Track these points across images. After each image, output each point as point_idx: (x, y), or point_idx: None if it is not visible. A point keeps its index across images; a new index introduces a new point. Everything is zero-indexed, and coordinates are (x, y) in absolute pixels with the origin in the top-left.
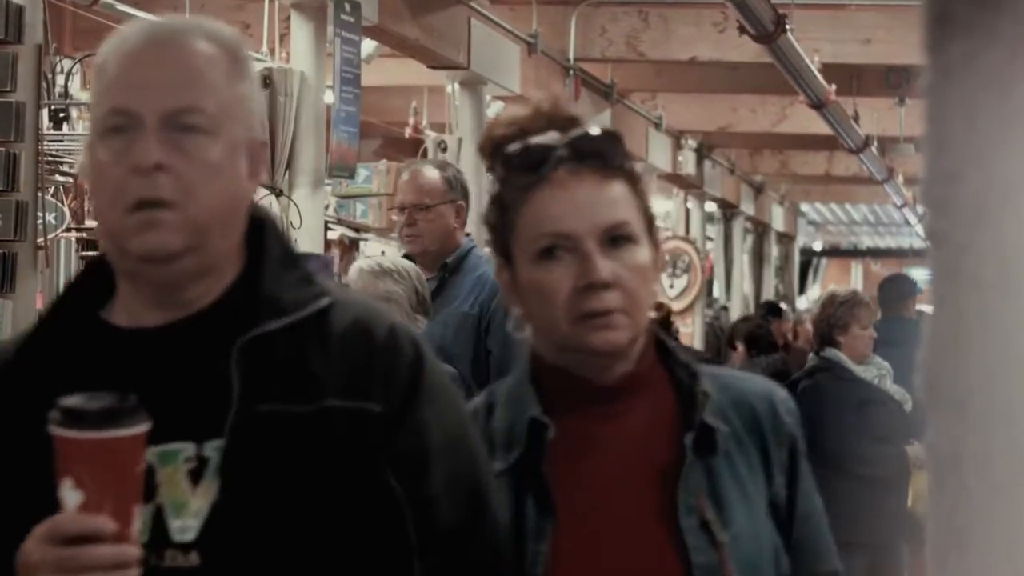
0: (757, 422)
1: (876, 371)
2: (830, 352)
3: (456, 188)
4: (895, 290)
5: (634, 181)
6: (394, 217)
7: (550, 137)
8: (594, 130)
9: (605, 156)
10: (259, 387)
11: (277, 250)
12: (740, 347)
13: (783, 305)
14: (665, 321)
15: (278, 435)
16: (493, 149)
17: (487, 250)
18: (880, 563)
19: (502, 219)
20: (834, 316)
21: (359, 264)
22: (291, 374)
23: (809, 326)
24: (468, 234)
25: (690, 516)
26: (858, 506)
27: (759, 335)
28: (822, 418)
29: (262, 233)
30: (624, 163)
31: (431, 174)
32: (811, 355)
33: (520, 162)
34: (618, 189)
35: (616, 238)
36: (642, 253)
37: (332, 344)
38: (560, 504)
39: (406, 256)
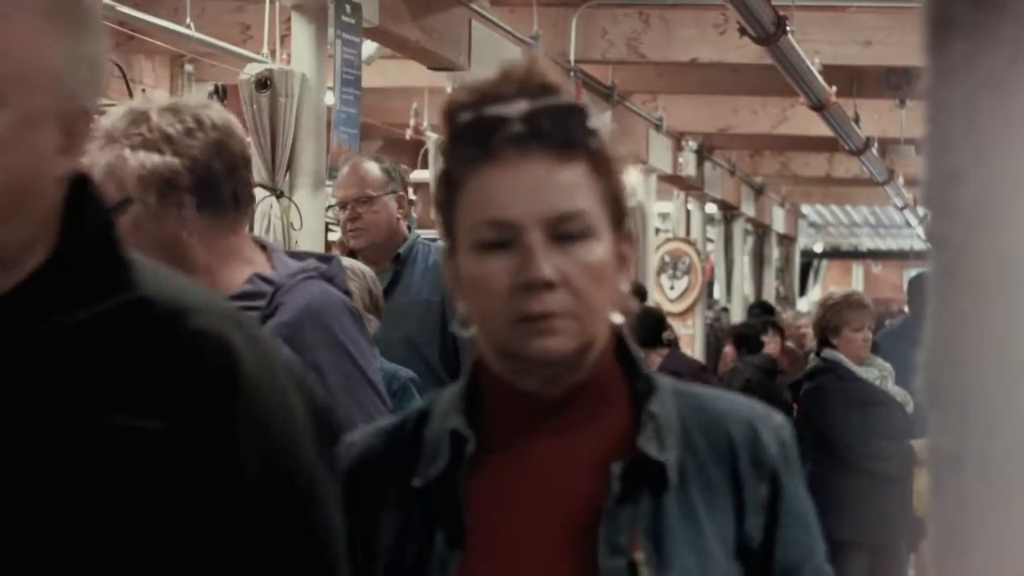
0: (731, 450)
1: (877, 372)
2: (830, 353)
3: (396, 178)
4: (920, 289)
5: (601, 163)
6: (335, 215)
7: (508, 108)
8: (556, 101)
9: (564, 133)
10: (34, 391)
11: (91, 234)
12: (729, 347)
13: (777, 308)
14: (657, 323)
15: (46, 451)
16: (449, 118)
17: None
18: (883, 563)
19: (448, 199)
20: (824, 319)
21: None
22: (74, 379)
23: (799, 329)
24: (410, 227)
25: (615, 557)
26: (864, 505)
27: (748, 334)
28: (828, 418)
29: (80, 213)
30: (590, 141)
31: (371, 166)
32: (812, 356)
33: (467, 135)
34: (576, 172)
35: (567, 230)
36: (599, 248)
37: (127, 346)
38: (475, 531)
39: (350, 252)
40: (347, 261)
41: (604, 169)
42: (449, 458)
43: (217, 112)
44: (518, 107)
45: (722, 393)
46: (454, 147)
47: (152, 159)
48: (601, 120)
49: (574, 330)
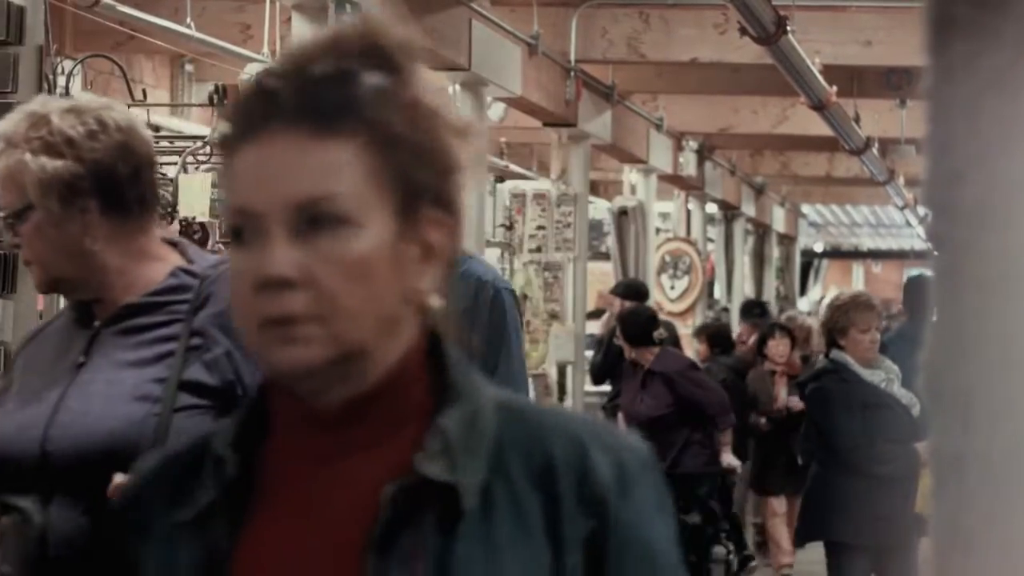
0: (550, 478)
1: (884, 374)
2: (837, 354)
3: None
4: (916, 290)
5: (383, 137)
6: None
7: (286, 79)
8: (329, 68)
9: (327, 103)
10: None
11: None
12: (702, 345)
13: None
14: (648, 322)
15: None
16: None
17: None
18: (886, 565)
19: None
20: (831, 320)
21: None
22: None
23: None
24: None
25: None
26: (866, 507)
27: (721, 334)
28: (829, 420)
29: None
30: (367, 112)
31: None
32: (821, 356)
33: (236, 110)
34: (340, 150)
35: (316, 218)
36: (362, 239)
37: None
38: (243, 570)
39: None
40: None
41: (386, 144)
42: (216, 487)
43: (120, 113)
44: (295, 78)
45: (558, 409)
46: (226, 124)
47: (53, 163)
48: (393, 83)
49: (321, 337)
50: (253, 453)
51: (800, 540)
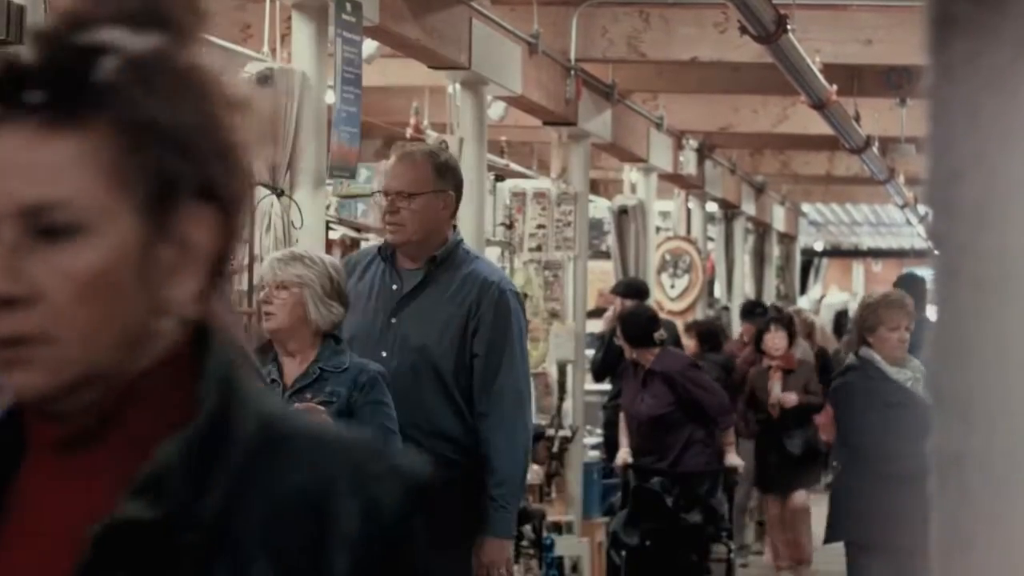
0: (291, 515)
1: (911, 373)
2: (865, 352)
3: (446, 177)
4: (909, 291)
5: (131, 130)
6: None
7: (27, 57)
8: (76, 42)
9: (67, 93)
10: None
11: None
12: (692, 342)
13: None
14: (649, 323)
15: None
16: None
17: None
18: (899, 566)
19: None
20: (861, 318)
21: (272, 255)
22: None
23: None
24: (455, 226)
25: None
26: (879, 506)
27: (712, 332)
28: (851, 416)
29: None
30: (112, 100)
31: (422, 160)
32: (850, 354)
33: None
34: (72, 148)
35: (44, 227)
36: (97, 249)
37: None
38: None
39: (383, 245)
40: (304, 249)
41: (135, 133)
42: None
43: None
44: (42, 53)
45: (329, 435)
46: None
47: None
48: (162, 51)
49: (52, 360)
50: (7, 474)
51: (825, 540)
